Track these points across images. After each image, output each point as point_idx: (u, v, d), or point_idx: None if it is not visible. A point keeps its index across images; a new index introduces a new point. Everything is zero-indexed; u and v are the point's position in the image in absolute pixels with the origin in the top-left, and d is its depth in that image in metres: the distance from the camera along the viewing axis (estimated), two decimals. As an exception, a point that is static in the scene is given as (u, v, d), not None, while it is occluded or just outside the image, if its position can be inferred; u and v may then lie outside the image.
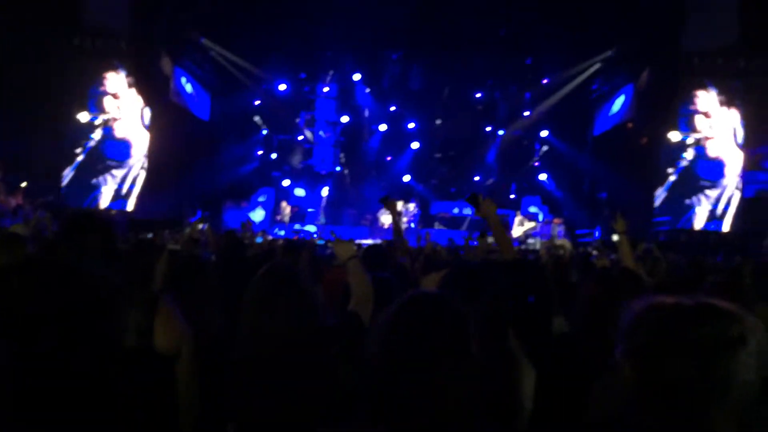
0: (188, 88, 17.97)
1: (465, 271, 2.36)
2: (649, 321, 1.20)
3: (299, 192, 20.81)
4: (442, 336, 1.39)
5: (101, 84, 16.14)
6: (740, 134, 15.69)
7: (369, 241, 15.58)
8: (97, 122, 16.21)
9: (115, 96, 16.22)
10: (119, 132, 16.36)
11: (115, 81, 16.22)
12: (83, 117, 16.07)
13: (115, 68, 16.15)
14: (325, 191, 21.17)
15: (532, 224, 17.85)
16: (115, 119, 16.30)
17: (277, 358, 2.13)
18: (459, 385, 1.36)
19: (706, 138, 15.82)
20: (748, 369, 1.12)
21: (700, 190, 15.81)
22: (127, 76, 16.14)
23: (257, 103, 20.98)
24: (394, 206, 5.27)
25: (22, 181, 12.97)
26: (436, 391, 1.34)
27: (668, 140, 15.91)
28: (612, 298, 2.22)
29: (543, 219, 18.90)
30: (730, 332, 1.13)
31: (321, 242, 11.39)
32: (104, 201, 16.24)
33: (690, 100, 15.83)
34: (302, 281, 2.25)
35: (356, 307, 2.54)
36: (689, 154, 15.90)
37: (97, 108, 16.15)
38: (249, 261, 4.92)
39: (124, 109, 16.30)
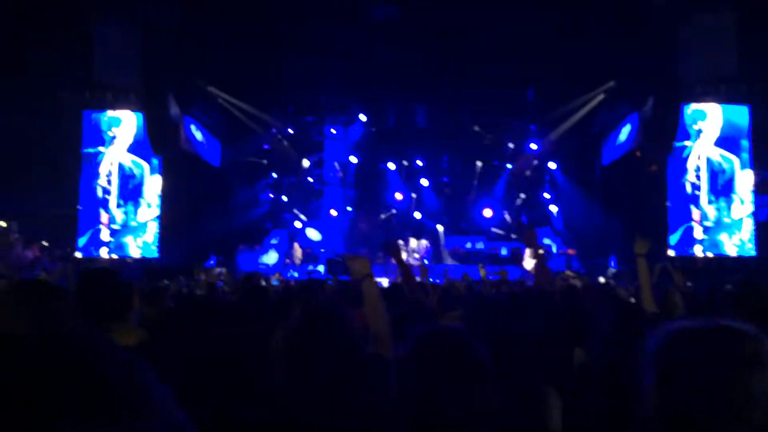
0: (198, 135, 18.26)
1: (485, 307, 2.38)
2: (675, 344, 1.24)
3: (311, 233, 20.90)
4: (466, 370, 1.42)
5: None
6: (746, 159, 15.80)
7: (383, 279, 15.58)
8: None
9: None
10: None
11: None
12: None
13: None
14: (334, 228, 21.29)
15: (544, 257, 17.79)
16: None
17: (322, 399, 1.97)
18: (486, 417, 1.39)
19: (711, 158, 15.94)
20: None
21: (711, 213, 15.80)
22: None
23: (266, 147, 21.26)
24: (397, 250, 4.91)
25: (39, 234, 13.15)
26: (466, 425, 1.37)
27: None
28: (631, 329, 2.25)
29: (557, 250, 18.85)
30: (748, 351, 1.18)
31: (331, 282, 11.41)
32: (131, 251, 16.42)
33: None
34: (346, 319, 2.10)
35: (377, 345, 2.38)
36: (693, 176, 15.97)
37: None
38: (270, 303, 4.96)
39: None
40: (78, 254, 15.88)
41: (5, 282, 4.16)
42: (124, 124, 16.94)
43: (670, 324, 1.30)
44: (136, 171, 16.96)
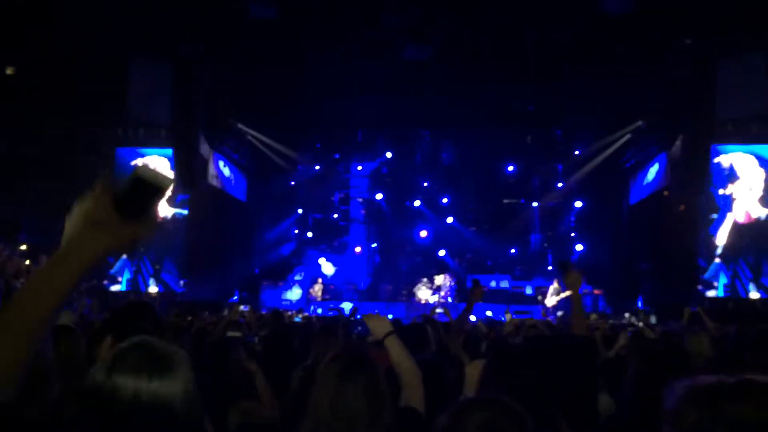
0: (226, 171, 18.53)
1: (508, 355, 2.33)
2: (692, 402, 1.20)
3: (325, 267, 20.79)
4: None
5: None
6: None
7: (403, 313, 15.49)
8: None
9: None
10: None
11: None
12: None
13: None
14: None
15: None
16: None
17: None
18: None
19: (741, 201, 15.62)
20: None
21: (742, 255, 15.46)
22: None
23: (292, 183, 21.49)
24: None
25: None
26: None
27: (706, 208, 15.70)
28: (659, 377, 2.19)
29: (582, 290, 18.55)
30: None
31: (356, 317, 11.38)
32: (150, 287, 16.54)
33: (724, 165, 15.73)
34: (374, 366, 2.07)
35: (410, 400, 2.33)
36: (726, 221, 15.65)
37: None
38: (294, 341, 4.94)
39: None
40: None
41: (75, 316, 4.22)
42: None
43: (689, 378, 1.26)
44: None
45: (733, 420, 1.13)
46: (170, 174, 16.64)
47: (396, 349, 2.53)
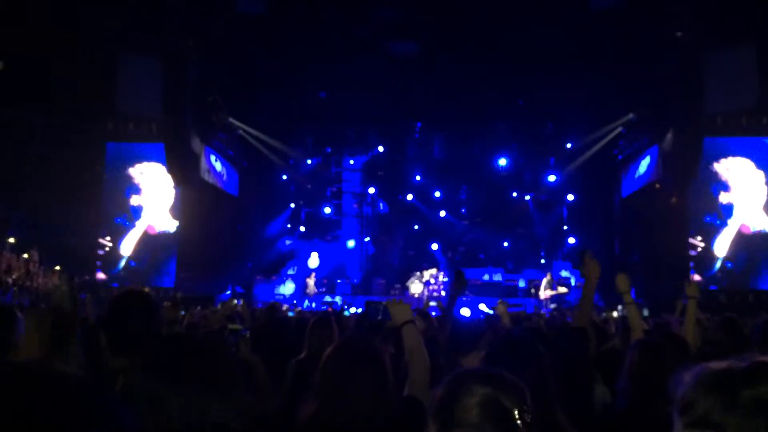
0: (218, 166, 18.45)
1: (506, 345, 2.32)
2: (704, 388, 1.18)
3: (311, 260, 20.68)
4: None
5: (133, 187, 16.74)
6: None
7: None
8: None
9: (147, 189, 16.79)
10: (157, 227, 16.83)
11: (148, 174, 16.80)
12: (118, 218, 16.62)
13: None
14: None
15: (564, 289, 17.57)
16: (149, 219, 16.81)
17: None
18: None
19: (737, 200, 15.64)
20: None
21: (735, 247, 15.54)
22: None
23: (285, 177, 21.44)
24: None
25: (59, 263, 13.26)
26: None
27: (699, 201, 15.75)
28: (657, 367, 2.19)
29: (575, 283, 18.65)
30: None
31: (347, 313, 11.36)
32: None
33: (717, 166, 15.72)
34: (380, 354, 2.08)
35: (415, 389, 2.34)
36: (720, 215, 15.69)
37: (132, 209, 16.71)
38: (287, 335, 4.93)
39: (156, 198, 16.83)
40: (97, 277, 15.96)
41: (44, 309, 4.15)
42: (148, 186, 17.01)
43: (697, 365, 1.24)
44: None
45: (750, 402, 1.11)
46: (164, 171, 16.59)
47: (412, 338, 2.55)
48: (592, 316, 7.14)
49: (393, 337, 3.54)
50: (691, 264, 15.68)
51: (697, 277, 15.20)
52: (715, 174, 15.74)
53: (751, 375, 1.14)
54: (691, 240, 15.68)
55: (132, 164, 16.84)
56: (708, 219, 15.77)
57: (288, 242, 21.47)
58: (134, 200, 16.80)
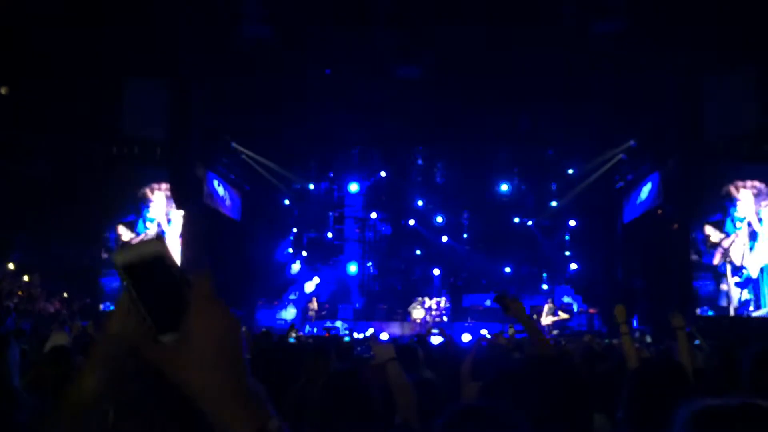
0: (220, 190, 18.52)
1: (505, 377, 2.32)
2: (698, 427, 1.21)
3: (308, 284, 20.64)
4: None
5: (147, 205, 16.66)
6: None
7: (398, 333, 15.43)
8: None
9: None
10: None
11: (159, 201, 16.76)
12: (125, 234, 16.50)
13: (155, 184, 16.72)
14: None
15: (566, 315, 17.51)
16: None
17: None
18: None
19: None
20: None
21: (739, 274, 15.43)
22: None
23: (287, 202, 21.50)
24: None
25: (61, 287, 13.27)
26: None
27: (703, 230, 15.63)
28: (653, 398, 2.18)
29: (577, 309, 18.60)
30: None
31: (347, 339, 11.34)
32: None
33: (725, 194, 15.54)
34: (366, 388, 2.18)
35: (405, 418, 2.46)
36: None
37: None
38: (284, 361, 4.92)
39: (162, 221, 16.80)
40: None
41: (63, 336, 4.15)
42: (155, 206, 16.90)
43: (693, 401, 1.26)
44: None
45: None
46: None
47: (395, 375, 2.68)
48: (591, 343, 7.10)
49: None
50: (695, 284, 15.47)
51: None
52: (719, 197, 15.64)
53: (741, 416, 1.17)
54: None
55: (138, 187, 16.86)
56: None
57: (297, 267, 21.33)
58: (140, 224, 16.80)
